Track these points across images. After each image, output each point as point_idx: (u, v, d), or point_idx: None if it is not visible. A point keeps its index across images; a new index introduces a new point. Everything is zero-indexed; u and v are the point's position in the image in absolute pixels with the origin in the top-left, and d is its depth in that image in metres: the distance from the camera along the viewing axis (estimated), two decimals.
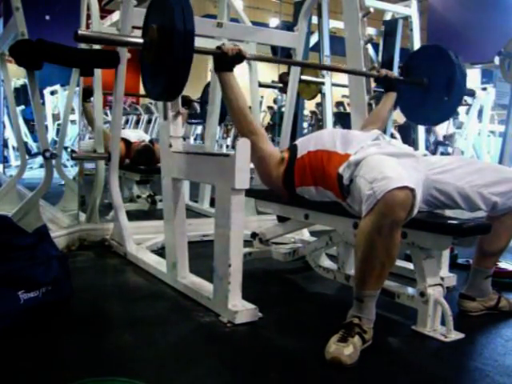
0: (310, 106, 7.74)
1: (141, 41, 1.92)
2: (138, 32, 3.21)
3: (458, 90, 2.40)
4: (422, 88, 2.48)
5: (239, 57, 1.99)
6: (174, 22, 1.73)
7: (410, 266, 2.11)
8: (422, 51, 2.74)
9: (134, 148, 3.99)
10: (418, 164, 1.89)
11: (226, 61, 1.99)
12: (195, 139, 8.55)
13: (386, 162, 1.70)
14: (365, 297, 1.64)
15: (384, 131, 2.47)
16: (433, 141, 7.57)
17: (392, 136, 3.93)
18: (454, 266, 2.57)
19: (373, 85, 2.68)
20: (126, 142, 3.95)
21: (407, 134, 5.84)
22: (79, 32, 1.78)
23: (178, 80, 1.82)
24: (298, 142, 2.12)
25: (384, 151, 1.84)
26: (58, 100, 7.92)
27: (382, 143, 1.93)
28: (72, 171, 5.33)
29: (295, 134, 3.93)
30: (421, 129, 4.64)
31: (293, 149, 2.08)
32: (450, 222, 1.80)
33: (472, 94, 2.80)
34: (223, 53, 1.96)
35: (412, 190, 1.53)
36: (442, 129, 7.63)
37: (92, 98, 3.41)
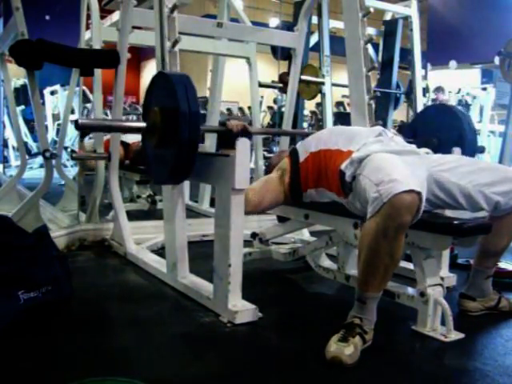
0: (310, 106, 7.74)
1: (143, 125, 1.88)
2: (138, 32, 3.23)
3: (470, 147, 2.38)
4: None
5: (244, 133, 1.96)
6: (177, 103, 1.67)
7: (410, 265, 2.11)
8: (428, 111, 2.73)
9: (133, 149, 3.99)
10: (421, 161, 1.88)
11: (230, 137, 1.95)
12: None
13: (392, 162, 1.69)
14: (367, 298, 1.64)
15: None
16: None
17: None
18: (454, 265, 2.57)
19: (373, 85, 2.68)
20: (124, 144, 3.95)
21: (409, 132, 5.84)
22: (80, 121, 1.76)
23: (186, 162, 1.76)
24: (298, 145, 2.11)
25: (387, 149, 1.83)
26: (58, 100, 7.93)
27: (384, 140, 1.92)
28: (72, 171, 5.33)
29: None
30: None
31: (293, 154, 2.07)
32: (450, 222, 1.80)
33: (482, 151, 2.79)
34: (228, 130, 1.95)
35: (418, 194, 1.53)
36: None
37: (87, 139, 3.41)
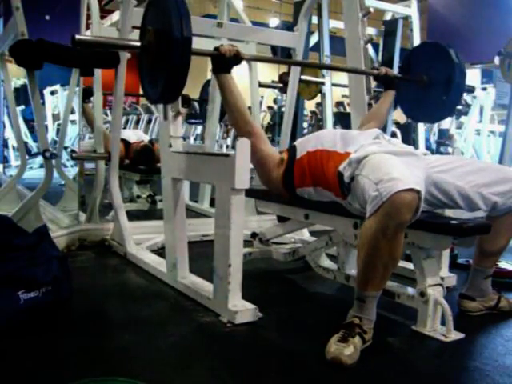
0: (309, 106, 7.74)
1: (138, 44, 1.91)
2: (138, 32, 3.22)
3: (457, 87, 2.41)
4: (422, 85, 2.48)
5: (237, 58, 1.99)
6: (171, 26, 1.71)
7: (410, 265, 2.11)
8: (422, 48, 2.74)
9: (134, 148, 4.00)
10: (419, 162, 1.88)
11: (223, 62, 1.98)
12: (195, 139, 8.55)
13: (390, 161, 1.69)
14: (367, 297, 1.64)
15: (384, 130, 2.47)
16: (434, 140, 7.59)
17: (393, 134, 3.92)
18: (454, 265, 2.57)
19: (373, 85, 2.68)
20: (125, 142, 3.95)
21: (407, 134, 5.85)
22: (76, 36, 1.77)
23: (177, 83, 1.81)
24: (297, 142, 2.12)
25: (385, 149, 1.84)
26: (58, 100, 7.93)
27: (382, 142, 1.93)
28: (72, 171, 5.33)
29: (295, 134, 3.93)
30: (421, 128, 4.64)
31: (292, 150, 2.08)
32: (449, 221, 1.80)
33: (471, 90, 2.80)
34: (221, 54, 1.96)
35: (418, 192, 1.53)
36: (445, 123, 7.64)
37: (92, 98, 3.41)
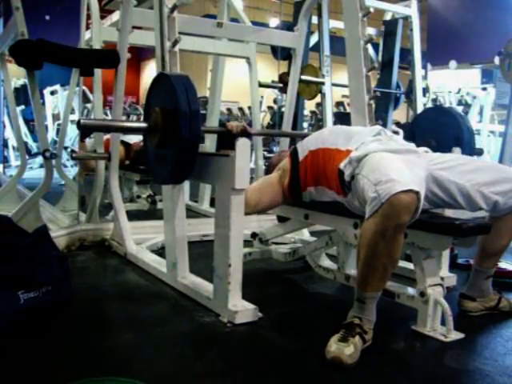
0: (309, 106, 7.74)
1: (144, 125, 1.90)
2: (138, 31, 3.23)
3: (467, 148, 2.39)
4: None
5: (244, 134, 2.00)
6: (178, 104, 1.69)
7: (410, 265, 2.11)
8: (426, 114, 2.74)
9: (134, 149, 3.99)
10: (420, 160, 1.88)
11: (230, 138, 1.98)
12: None
13: (390, 161, 1.69)
14: (366, 298, 1.64)
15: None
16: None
17: (395, 133, 3.92)
18: (454, 265, 2.57)
19: (373, 85, 2.68)
20: (125, 144, 3.95)
21: (408, 135, 5.85)
22: (82, 121, 1.77)
23: (186, 162, 1.78)
24: (298, 144, 2.12)
25: (385, 147, 1.83)
26: (58, 100, 7.94)
27: (383, 139, 1.93)
28: (72, 171, 5.34)
29: None
30: None
31: (294, 153, 2.08)
32: (450, 222, 1.80)
33: (480, 153, 2.80)
34: (228, 130, 1.98)
35: (417, 193, 1.53)
36: None
37: (88, 139, 3.42)
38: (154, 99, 1.91)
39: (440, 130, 2.43)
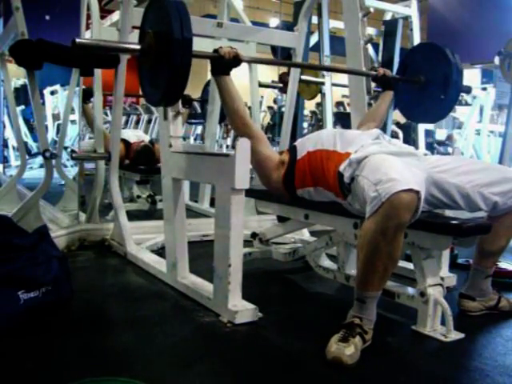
0: (309, 106, 7.74)
1: (138, 47, 1.90)
2: (139, 32, 3.22)
3: (454, 87, 2.41)
4: (419, 86, 2.49)
5: (236, 60, 2.00)
6: (171, 28, 1.70)
7: (410, 265, 2.11)
8: (419, 49, 2.74)
9: (134, 148, 3.99)
10: (420, 163, 1.88)
11: (223, 64, 1.98)
12: (195, 139, 8.55)
13: (390, 162, 1.69)
14: (366, 298, 1.64)
15: (384, 130, 2.47)
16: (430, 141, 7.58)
17: (394, 135, 3.93)
18: (454, 265, 2.57)
19: (373, 85, 2.68)
20: (126, 142, 3.95)
21: (407, 135, 5.85)
22: (77, 40, 1.76)
23: (177, 86, 1.80)
24: (297, 142, 2.12)
25: (385, 150, 1.84)
26: (58, 100, 7.94)
27: (382, 142, 1.93)
28: (72, 171, 5.33)
29: (295, 134, 3.93)
30: (421, 129, 4.64)
31: (292, 150, 2.08)
32: (450, 221, 1.80)
33: (468, 90, 2.80)
34: (220, 56, 1.96)
35: (417, 193, 1.53)
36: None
37: (92, 99, 3.41)
38: (149, 21, 1.92)
39: (430, 66, 2.44)
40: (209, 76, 4.50)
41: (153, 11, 1.91)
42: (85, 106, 3.75)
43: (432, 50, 2.49)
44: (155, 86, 1.89)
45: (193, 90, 4.57)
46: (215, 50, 1.98)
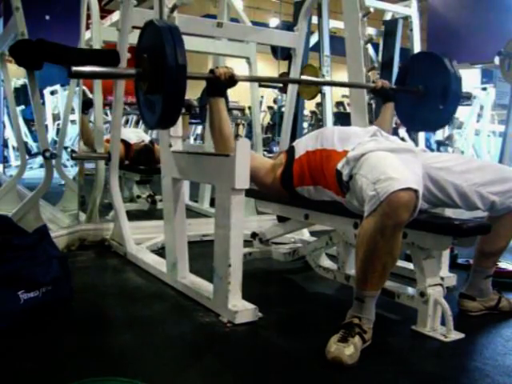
0: (309, 106, 7.74)
1: (134, 72, 1.88)
2: (138, 32, 3.23)
3: (454, 96, 2.39)
4: (418, 95, 2.48)
5: (232, 81, 2.00)
6: (165, 55, 1.68)
7: (410, 265, 2.11)
8: (418, 58, 2.74)
9: (134, 148, 3.99)
10: (417, 159, 1.88)
11: (218, 85, 2.00)
12: (195, 139, 8.55)
13: (388, 160, 1.69)
14: (366, 297, 1.64)
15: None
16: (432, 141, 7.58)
17: (402, 139, 3.92)
18: (454, 265, 2.57)
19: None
20: (125, 143, 3.95)
21: (408, 134, 5.86)
22: (73, 69, 1.75)
23: (173, 111, 1.80)
24: (296, 143, 2.13)
25: (382, 146, 1.84)
26: (57, 100, 7.93)
27: (379, 138, 1.93)
28: (72, 171, 5.34)
29: (295, 133, 3.93)
30: None
31: (290, 150, 2.09)
32: (450, 222, 1.80)
33: (468, 97, 2.81)
34: (216, 77, 1.97)
35: (416, 191, 1.53)
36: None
37: (91, 109, 3.41)
38: (144, 46, 1.90)
39: (429, 76, 2.44)
40: None
41: (147, 35, 1.89)
42: (83, 116, 3.74)
43: (430, 59, 2.48)
44: (152, 109, 1.86)
45: (192, 90, 4.57)
46: (211, 71, 1.99)
